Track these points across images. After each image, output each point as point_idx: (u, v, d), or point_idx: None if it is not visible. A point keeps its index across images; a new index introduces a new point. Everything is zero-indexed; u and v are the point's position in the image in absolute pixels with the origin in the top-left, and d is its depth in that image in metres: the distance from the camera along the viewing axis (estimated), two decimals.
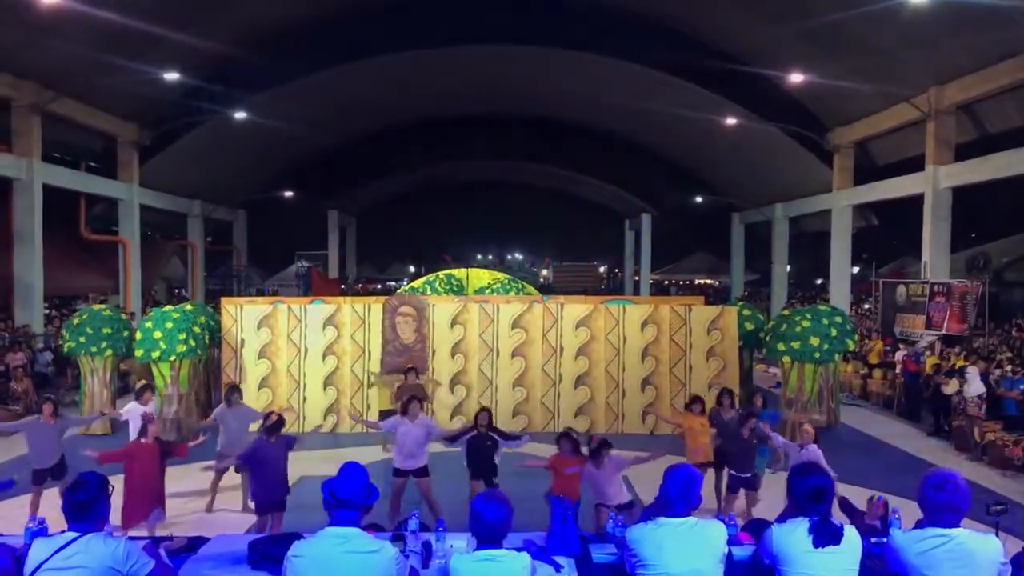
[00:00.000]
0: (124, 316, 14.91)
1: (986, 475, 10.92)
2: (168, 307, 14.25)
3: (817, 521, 3.43)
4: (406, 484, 8.65)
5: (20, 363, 15.81)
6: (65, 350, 13.85)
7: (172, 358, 12.78)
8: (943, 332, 18.14)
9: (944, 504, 3.34)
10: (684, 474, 3.65)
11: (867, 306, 27.21)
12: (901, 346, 17.77)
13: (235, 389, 9.93)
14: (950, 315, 18.11)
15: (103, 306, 15.04)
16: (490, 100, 32.57)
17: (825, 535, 3.39)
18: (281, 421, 8.03)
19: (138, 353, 12.98)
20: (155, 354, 12.75)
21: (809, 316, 13.43)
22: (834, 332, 13.13)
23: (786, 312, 14.43)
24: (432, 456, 9.01)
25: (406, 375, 11.73)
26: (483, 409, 9.07)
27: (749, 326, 14.79)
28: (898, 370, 16.42)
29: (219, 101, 24.98)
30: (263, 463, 7.66)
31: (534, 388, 14.08)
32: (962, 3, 15.63)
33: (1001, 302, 23.62)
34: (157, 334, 12.75)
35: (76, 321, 13.63)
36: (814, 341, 13.05)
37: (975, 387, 12.96)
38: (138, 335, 13.04)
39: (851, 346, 14.23)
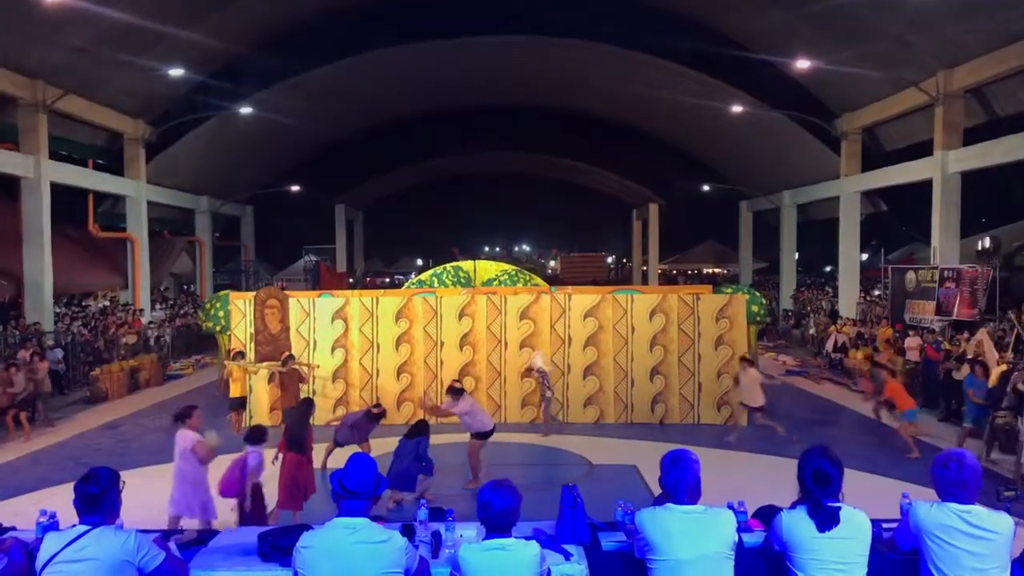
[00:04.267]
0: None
1: (997, 460, 10.86)
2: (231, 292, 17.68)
3: (811, 505, 3.44)
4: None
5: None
6: (204, 329, 17.39)
7: (230, 332, 15.18)
8: (953, 317, 18.05)
9: (952, 481, 3.48)
10: (678, 461, 3.65)
11: (876, 293, 27.08)
12: (911, 332, 17.69)
13: None
14: (960, 300, 17.99)
15: (227, 292, 17.81)
16: (497, 91, 32.47)
17: (822, 518, 3.41)
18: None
19: (207, 325, 16.60)
20: (217, 328, 16.03)
21: (746, 291, 16.31)
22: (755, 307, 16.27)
23: (728, 290, 16.33)
24: (444, 447, 9.10)
25: (284, 363, 12.79)
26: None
27: None
28: (916, 357, 16.37)
29: (225, 97, 24.96)
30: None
31: None
32: None
33: (1012, 287, 23.46)
34: (220, 312, 15.84)
35: (209, 306, 16.82)
36: (755, 308, 15.83)
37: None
38: (210, 312, 16.45)
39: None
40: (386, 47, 25.64)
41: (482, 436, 9.88)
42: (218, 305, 16.44)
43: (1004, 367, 12.05)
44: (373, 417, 10.54)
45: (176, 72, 20.54)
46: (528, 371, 13.67)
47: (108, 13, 17.19)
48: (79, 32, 18.04)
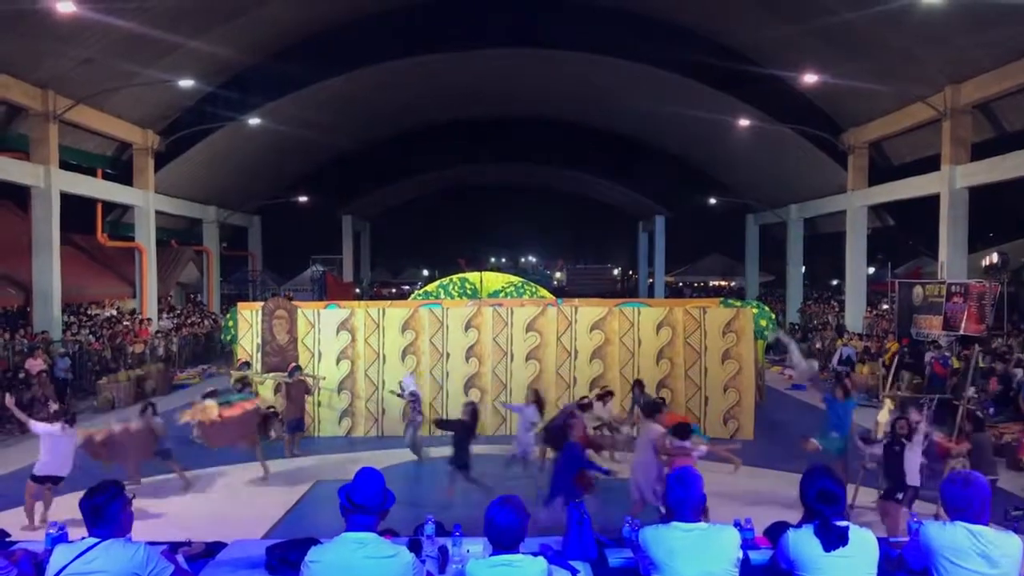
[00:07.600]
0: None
1: (1004, 478, 10.78)
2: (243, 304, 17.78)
3: (819, 524, 3.43)
4: None
5: (40, 369, 15.94)
6: (225, 339, 18.30)
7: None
8: (960, 333, 17.97)
9: (958, 499, 3.48)
10: (683, 479, 3.66)
11: (884, 307, 27.00)
12: (931, 348, 17.65)
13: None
14: (967, 315, 17.92)
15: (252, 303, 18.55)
16: (504, 103, 32.60)
17: (830, 538, 3.40)
18: None
19: (223, 337, 17.86)
20: (228, 337, 17.01)
21: (755, 306, 16.74)
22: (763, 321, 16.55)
23: (737, 304, 16.37)
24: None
25: (291, 375, 12.69)
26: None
27: None
28: (926, 371, 16.34)
29: (233, 107, 25.11)
30: None
31: (549, 391, 13.99)
32: (977, 0, 15.49)
33: (1020, 302, 23.37)
34: (231, 323, 16.62)
35: (228, 317, 17.76)
36: (763, 323, 16.21)
37: None
38: (223, 324, 17.34)
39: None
40: (395, 59, 25.78)
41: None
42: (235, 316, 16.58)
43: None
44: None
45: (185, 83, 20.68)
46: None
47: (118, 24, 17.33)
48: (89, 43, 18.17)
